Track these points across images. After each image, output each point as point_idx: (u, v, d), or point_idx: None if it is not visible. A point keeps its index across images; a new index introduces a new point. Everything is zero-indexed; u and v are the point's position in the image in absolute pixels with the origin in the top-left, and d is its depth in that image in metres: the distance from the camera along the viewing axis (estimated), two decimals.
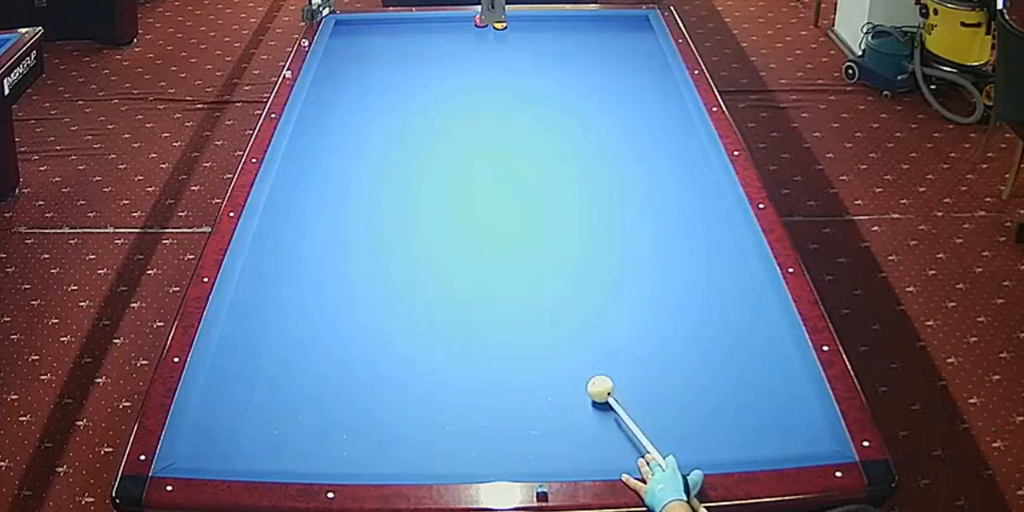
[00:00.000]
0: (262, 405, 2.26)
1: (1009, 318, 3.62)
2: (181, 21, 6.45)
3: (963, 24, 4.84)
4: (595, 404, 2.20)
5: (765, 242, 2.70)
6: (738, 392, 2.26)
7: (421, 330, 2.50)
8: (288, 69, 3.79)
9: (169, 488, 2.01)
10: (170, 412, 2.19)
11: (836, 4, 5.95)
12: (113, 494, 2.01)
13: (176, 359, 2.33)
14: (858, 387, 2.20)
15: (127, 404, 3.33)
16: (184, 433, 2.15)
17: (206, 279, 2.60)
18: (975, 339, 3.53)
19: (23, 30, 4.38)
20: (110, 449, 3.16)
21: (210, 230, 2.85)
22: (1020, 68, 4.11)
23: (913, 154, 4.69)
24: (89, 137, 5.02)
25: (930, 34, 4.97)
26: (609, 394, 2.18)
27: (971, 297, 3.73)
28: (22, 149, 4.74)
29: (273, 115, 3.44)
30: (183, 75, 5.68)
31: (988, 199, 4.32)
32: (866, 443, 2.05)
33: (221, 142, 4.96)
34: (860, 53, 5.33)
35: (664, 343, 2.43)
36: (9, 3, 5.51)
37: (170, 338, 2.40)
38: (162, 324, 3.66)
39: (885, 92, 5.16)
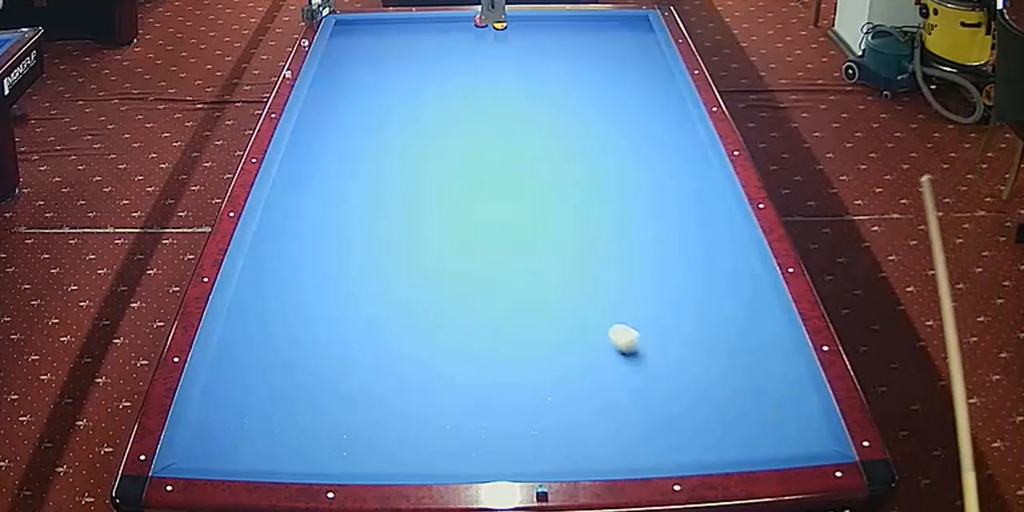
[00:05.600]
0: (262, 405, 2.26)
1: (1009, 318, 3.62)
2: (181, 21, 6.44)
3: (963, 24, 4.84)
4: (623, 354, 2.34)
5: (765, 242, 2.70)
6: (738, 392, 2.26)
7: (421, 330, 2.50)
8: (288, 69, 3.79)
9: (169, 488, 2.01)
10: (170, 412, 2.19)
11: (836, 4, 5.94)
12: (113, 494, 2.01)
13: (176, 359, 2.33)
14: (858, 387, 2.20)
15: (127, 404, 3.33)
16: (184, 433, 2.15)
17: (206, 279, 2.60)
18: (975, 339, 3.52)
19: (23, 30, 4.38)
20: (110, 449, 3.16)
21: (210, 230, 2.85)
22: (1020, 68, 4.11)
23: (913, 154, 4.69)
24: (89, 137, 5.02)
25: (930, 34, 4.97)
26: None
27: (971, 297, 3.73)
28: (22, 149, 4.74)
29: (273, 115, 3.44)
30: (183, 75, 5.68)
31: (988, 199, 4.32)
32: (866, 443, 2.06)
33: (221, 142, 4.96)
34: (860, 53, 5.33)
35: (664, 343, 2.42)
36: (9, 3, 5.51)
37: (170, 338, 2.40)
38: (162, 324, 3.65)
39: (885, 92, 5.16)
